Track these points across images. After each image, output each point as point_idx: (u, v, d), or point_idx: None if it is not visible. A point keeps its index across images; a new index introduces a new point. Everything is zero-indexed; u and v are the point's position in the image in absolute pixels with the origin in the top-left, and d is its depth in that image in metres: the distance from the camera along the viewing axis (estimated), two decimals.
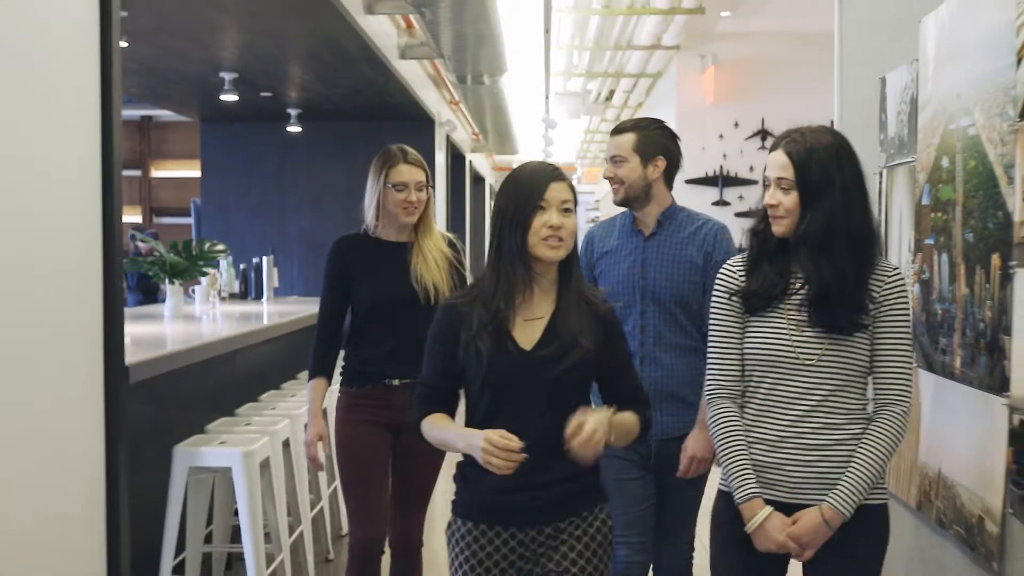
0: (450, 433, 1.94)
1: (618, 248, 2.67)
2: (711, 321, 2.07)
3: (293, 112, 6.83)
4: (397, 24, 5.49)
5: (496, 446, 1.75)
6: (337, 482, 4.50)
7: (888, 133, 2.53)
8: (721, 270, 2.07)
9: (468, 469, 1.96)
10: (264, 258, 6.23)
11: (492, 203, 1.95)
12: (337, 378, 2.94)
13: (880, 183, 2.61)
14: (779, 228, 1.94)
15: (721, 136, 6.60)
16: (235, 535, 3.75)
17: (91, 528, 1.88)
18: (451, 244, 2.93)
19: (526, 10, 5.18)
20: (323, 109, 6.81)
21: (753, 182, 6.64)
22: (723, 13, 5.85)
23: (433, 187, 2.87)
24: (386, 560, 2.81)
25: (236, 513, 3.75)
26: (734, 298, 2.00)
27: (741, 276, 2.01)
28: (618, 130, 2.67)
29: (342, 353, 2.94)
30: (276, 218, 7.66)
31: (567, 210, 1.90)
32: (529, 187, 1.90)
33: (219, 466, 3.23)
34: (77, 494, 1.83)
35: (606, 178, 2.68)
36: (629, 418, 1.94)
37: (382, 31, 5.16)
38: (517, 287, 1.91)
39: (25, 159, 1.61)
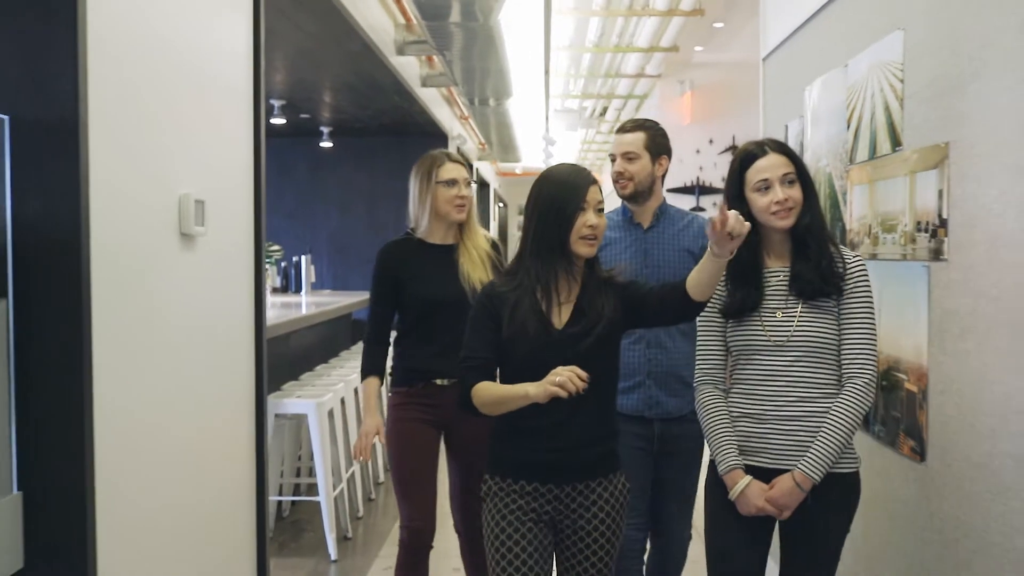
0: (507, 390, 2.00)
1: (618, 240, 2.74)
2: (698, 320, 2.25)
3: (326, 130, 7.81)
4: (420, 59, 6.47)
5: (564, 373, 1.86)
6: (379, 437, 5.50)
7: None
8: None
9: (508, 430, 2.10)
10: (303, 257, 7.21)
11: (528, 200, 2.10)
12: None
13: None
14: (788, 221, 2.11)
15: (698, 151, 7.60)
16: (297, 472, 4.77)
17: (248, 453, 2.86)
18: (493, 245, 2.96)
19: (528, 49, 6.17)
20: (352, 127, 7.79)
21: None
22: (697, 48, 6.84)
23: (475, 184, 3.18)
24: (454, 545, 3.00)
25: (299, 458, 4.78)
26: (714, 304, 2.18)
27: (723, 285, 2.17)
28: (627, 129, 2.77)
29: (391, 353, 2.99)
30: (307, 222, 8.63)
31: (600, 210, 2.07)
32: (572, 189, 2.03)
33: (297, 413, 4.22)
34: (242, 421, 2.80)
35: (617, 172, 2.73)
36: (690, 275, 1.99)
37: (408, 65, 6.13)
38: (559, 276, 2.05)
39: (215, 154, 2.57)
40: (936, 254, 2.19)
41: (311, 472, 4.65)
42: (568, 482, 2.08)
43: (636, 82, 7.93)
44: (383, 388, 2.84)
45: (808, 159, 3.26)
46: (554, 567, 2.16)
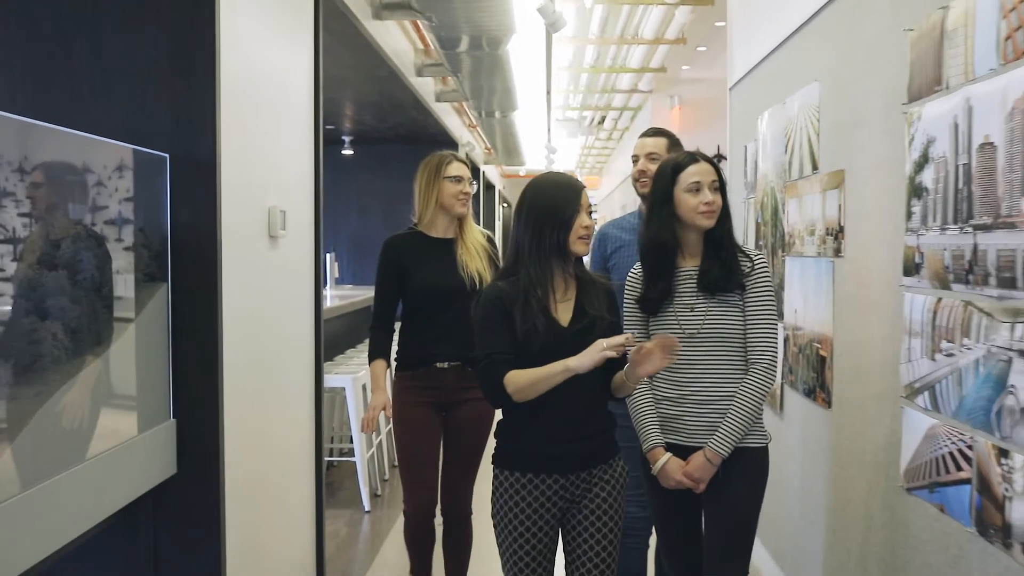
0: (546, 369, 2.09)
1: (632, 242, 2.97)
2: (624, 314, 2.46)
3: (347, 139, 8.56)
4: (435, 79, 7.20)
5: (616, 343, 2.03)
6: (385, 411, 6.25)
7: (747, 179, 4.26)
8: (629, 278, 2.50)
9: (515, 427, 2.22)
10: (327, 255, 7.92)
11: (521, 206, 2.25)
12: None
13: (745, 208, 4.35)
14: (711, 222, 2.38)
15: None
16: (331, 439, 5.50)
17: (309, 412, 3.59)
18: (489, 240, 3.19)
19: (532, 70, 6.91)
20: (371, 137, 8.53)
21: None
22: (684, 67, 7.56)
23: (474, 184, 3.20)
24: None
25: (333, 428, 5.52)
26: (638, 303, 2.45)
27: (641, 281, 2.45)
28: (651, 134, 3.06)
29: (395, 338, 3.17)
30: (329, 223, 9.25)
31: (590, 212, 2.24)
32: (567, 194, 2.18)
33: (334, 387, 4.96)
34: (305, 385, 3.52)
35: (640, 171, 2.97)
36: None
37: (425, 84, 6.86)
38: (557, 275, 2.20)
39: (290, 173, 3.30)
40: (837, 252, 2.92)
41: (341, 440, 5.39)
42: (572, 471, 2.21)
43: (630, 96, 8.68)
44: (388, 371, 3.19)
45: (759, 176, 4.00)
46: (560, 550, 2.31)
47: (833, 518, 2.98)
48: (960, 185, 2.01)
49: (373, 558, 4.24)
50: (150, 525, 2.49)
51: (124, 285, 2.30)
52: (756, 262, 2.42)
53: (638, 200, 3.09)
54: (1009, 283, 1.80)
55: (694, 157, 2.43)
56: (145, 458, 2.38)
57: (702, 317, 2.35)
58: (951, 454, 2.06)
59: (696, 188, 2.37)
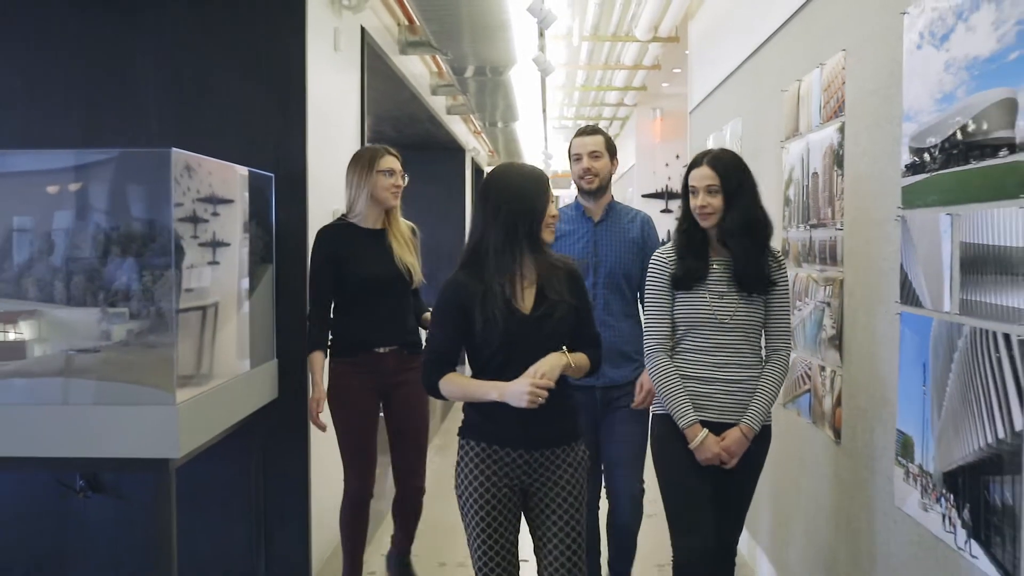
0: (477, 387, 2.17)
1: (571, 232, 3.03)
2: (647, 294, 2.52)
3: None
4: (446, 96, 8.25)
5: (539, 387, 2.07)
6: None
7: None
8: (654, 257, 2.53)
9: (480, 405, 2.22)
10: None
11: (486, 198, 2.20)
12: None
13: None
14: (708, 223, 2.43)
15: (667, 164, 9.36)
16: None
17: None
18: (413, 231, 3.27)
19: (530, 89, 7.96)
20: (387, 143, 9.56)
21: None
22: (664, 84, 8.59)
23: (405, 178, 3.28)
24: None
25: None
26: (665, 279, 2.47)
27: (671, 262, 2.49)
28: (590, 132, 3.06)
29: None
30: None
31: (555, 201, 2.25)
32: (539, 183, 2.19)
33: None
34: None
35: (584, 169, 2.97)
36: (583, 357, 2.25)
37: (438, 100, 7.91)
38: (521, 263, 2.19)
39: (344, 181, 4.36)
40: None
41: None
42: (536, 448, 2.24)
43: (618, 108, 9.72)
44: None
45: None
46: (525, 529, 2.33)
47: None
48: (804, 199, 3.09)
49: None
50: (262, 432, 3.56)
51: (244, 265, 3.37)
52: (781, 264, 2.54)
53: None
54: (823, 261, 2.88)
55: (700, 160, 2.50)
56: (258, 384, 3.44)
57: (733, 307, 2.46)
58: (801, 375, 3.14)
59: (694, 191, 2.46)
